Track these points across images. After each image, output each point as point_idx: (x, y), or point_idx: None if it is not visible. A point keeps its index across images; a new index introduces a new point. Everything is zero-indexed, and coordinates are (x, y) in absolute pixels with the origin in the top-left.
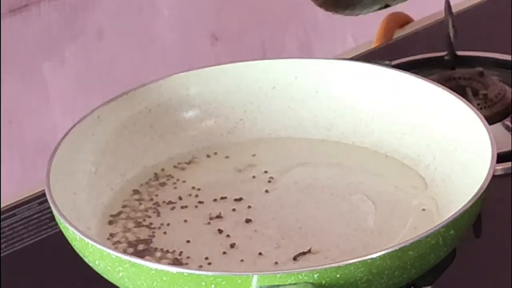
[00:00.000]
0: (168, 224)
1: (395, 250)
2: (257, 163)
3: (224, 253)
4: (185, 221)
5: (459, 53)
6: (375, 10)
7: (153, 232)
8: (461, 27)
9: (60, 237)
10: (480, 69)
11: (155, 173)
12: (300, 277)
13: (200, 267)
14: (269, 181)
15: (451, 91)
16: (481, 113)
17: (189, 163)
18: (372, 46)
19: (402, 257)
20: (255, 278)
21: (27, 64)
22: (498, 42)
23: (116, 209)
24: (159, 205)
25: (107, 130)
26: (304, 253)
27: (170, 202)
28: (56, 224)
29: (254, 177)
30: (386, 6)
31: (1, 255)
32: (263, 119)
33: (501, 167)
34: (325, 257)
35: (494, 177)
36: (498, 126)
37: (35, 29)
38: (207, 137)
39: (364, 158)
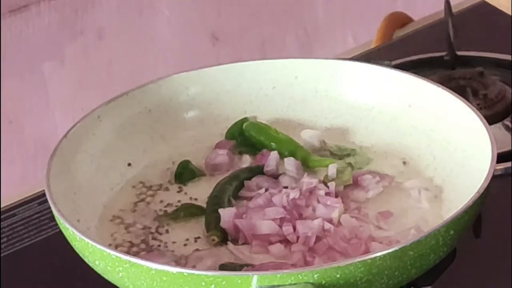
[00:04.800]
0: (168, 224)
1: (395, 250)
2: None
3: (224, 253)
4: (185, 221)
5: (459, 53)
6: None
7: (153, 232)
8: (461, 27)
9: (60, 237)
10: (480, 69)
11: (155, 173)
12: (300, 277)
13: (200, 267)
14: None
15: (451, 91)
16: (481, 113)
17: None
18: (372, 46)
19: (402, 257)
20: (255, 278)
21: (27, 64)
22: (498, 42)
23: (116, 209)
24: (159, 205)
25: (107, 130)
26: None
27: (170, 202)
28: (56, 224)
29: None
30: None
31: (1, 255)
32: (263, 119)
33: (501, 167)
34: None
35: (494, 177)
36: (498, 126)
37: (35, 29)
38: (207, 137)
39: None
